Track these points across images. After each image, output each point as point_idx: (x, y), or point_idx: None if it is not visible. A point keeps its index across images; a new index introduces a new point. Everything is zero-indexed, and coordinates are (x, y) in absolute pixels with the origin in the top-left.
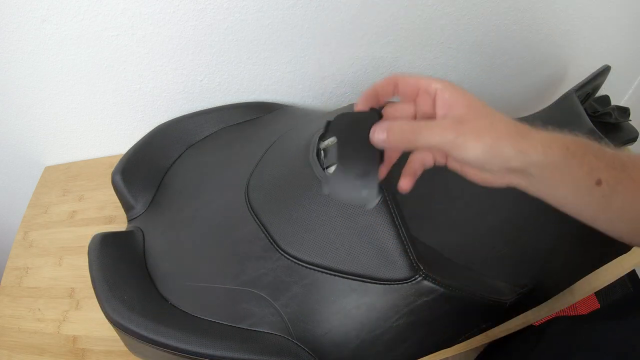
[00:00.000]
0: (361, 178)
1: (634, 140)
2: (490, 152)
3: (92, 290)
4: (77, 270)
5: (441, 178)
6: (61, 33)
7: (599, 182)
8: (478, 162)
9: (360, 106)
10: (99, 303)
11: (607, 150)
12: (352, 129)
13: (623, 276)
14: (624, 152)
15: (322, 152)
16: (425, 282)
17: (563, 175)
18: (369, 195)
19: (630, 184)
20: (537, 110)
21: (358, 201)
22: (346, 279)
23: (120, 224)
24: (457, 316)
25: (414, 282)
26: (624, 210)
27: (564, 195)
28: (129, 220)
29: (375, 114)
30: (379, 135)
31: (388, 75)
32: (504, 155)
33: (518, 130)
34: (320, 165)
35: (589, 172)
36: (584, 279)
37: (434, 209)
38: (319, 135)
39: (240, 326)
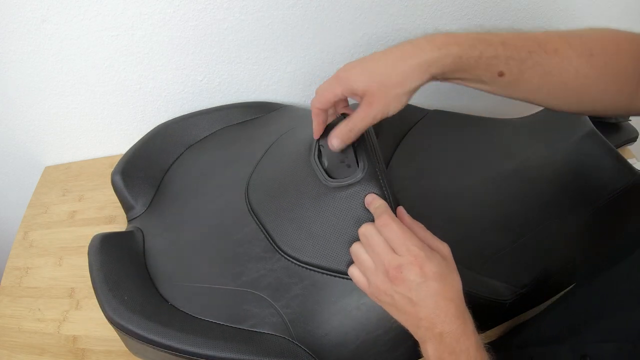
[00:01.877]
0: (343, 158)
1: (634, 140)
2: (401, 102)
3: (92, 290)
4: (77, 270)
5: (440, 178)
6: (61, 33)
7: (501, 74)
8: (398, 109)
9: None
10: (99, 303)
11: (509, 41)
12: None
13: None
14: (535, 35)
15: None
16: None
17: (465, 73)
18: (349, 167)
19: (538, 71)
20: (537, 110)
21: (345, 174)
22: (346, 280)
23: (120, 224)
24: None
25: None
26: (536, 92)
27: (476, 86)
28: (129, 221)
29: (342, 118)
30: (333, 142)
31: (312, 109)
32: (409, 94)
33: (402, 73)
34: (321, 165)
35: (486, 68)
36: None
37: (433, 209)
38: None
39: (241, 327)
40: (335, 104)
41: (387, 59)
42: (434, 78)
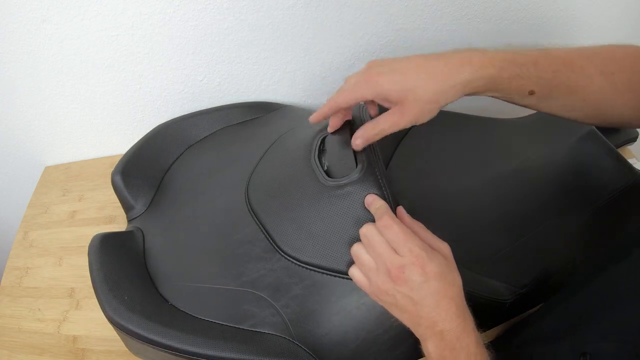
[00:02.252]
0: (342, 157)
1: (634, 140)
2: (432, 115)
3: (92, 290)
4: (77, 270)
5: (440, 178)
6: (61, 33)
7: (531, 92)
8: (427, 120)
9: (331, 128)
10: (99, 303)
11: (541, 62)
12: (337, 136)
13: None
14: (563, 52)
15: (322, 151)
16: None
17: (497, 92)
18: (349, 167)
19: (565, 89)
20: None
21: (345, 174)
22: (346, 280)
23: (120, 224)
24: None
25: None
26: (562, 108)
27: (506, 100)
28: (129, 221)
29: (347, 126)
30: (357, 142)
31: (329, 108)
32: (440, 108)
33: (438, 91)
34: (321, 165)
35: (518, 88)
36: None
37: (433, 209)
38: (320, 138)
39: (241, 327)
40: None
41: (423, 72)
42: (465, 95)
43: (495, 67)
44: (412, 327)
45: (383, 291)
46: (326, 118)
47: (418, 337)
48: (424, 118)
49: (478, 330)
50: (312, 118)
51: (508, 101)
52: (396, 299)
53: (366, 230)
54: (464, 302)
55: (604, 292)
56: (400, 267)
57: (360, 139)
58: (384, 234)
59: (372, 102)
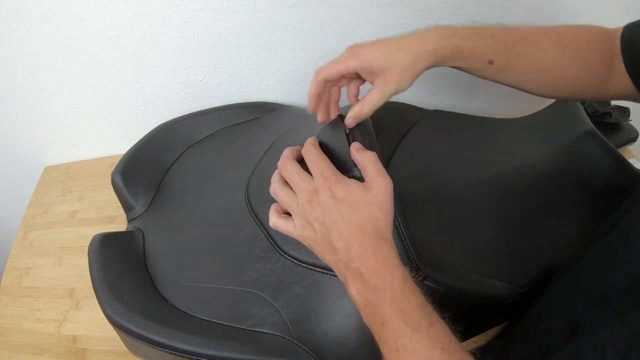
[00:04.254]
0: (341, 156)
1: (634, 140)
2: (411, 81)
3: (92, 290)
4: (77, 270)
5: (440, 178)
6: (61, 33)
7: (491, 62)
8: (407, 88)
9: (321, 116)
10: (100, 303)
11: (498, 34)
12: (335, 135)
13: None
14: (520, 29)
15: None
16: (426, 282)
17: (461, 62)
18: (348, 166)
19: (521, 60)
20: (538, 109)
21: (343, 171)
22: None
23: (120, 224)
24: (457, 316)
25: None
26: (520, 78)
27: (471, 72)
28: (129, 221)
29: (339, 119)
30: (349, 121)
31: (313, 78)
32: (416, 75)
33: (414, 56)
34: None
35: (478, 57)
36: None
37: (433, 209)
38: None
39: (241, 327)
40: (338, 80)
41: (399, 43)
42: (436, 64)
43: (457, 37)
44: (334, 267)
45: (305, 225)
46: (318, 98)
47: (344, 283)
48: (405, 84)
49: (477, 331)
50: (309, 106)
51: (471, 72)
52: (315, 230)
53: (284, 161)
54: (384, 240)
55: (590, 263)
56: (314, 190)
57: (352, 119)
58: (305, 157)
59: (354, 80)
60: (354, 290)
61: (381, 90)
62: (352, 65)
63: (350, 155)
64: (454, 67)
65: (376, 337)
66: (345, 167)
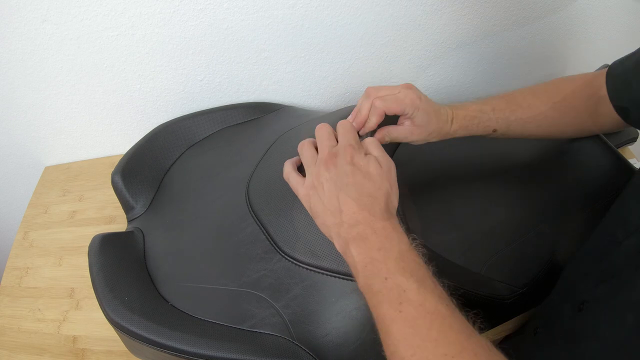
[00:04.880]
0: None
1: (633, 140)
2: (424, 141)
3: (92, 290)
4: (77, 270)
5: (441, 179)
6: (61, 33)
7: (494, 131)
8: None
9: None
10: (100, 304)
11: (498, 107)
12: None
13: None
14: (514, 96)
15: None
16: None
17: (469, 133)
18: None
19: (519, 123)
20: None
21: None
22: (347, 280)
23: (120, 224)
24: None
25: None
26: (520, 135)
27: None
28: (129, 221)
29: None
30: (369, 125)
31: (374, 107)
32: (426, 140)
33: (439, 130)
34: None
35: (484, 129)
36: None
37: (434, 209)
38: None
39: (241, 327)
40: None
41: (435, 116)
42: (445, 138)
43: (466, 119)
44: (334, 231)
45: (315, 184)
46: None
47: (341, 252)
48: (420, 141)
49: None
50: (352, 116)
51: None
52: (324, 190)
53: (322, 126)
54: (392, 212)
55: (590, 249)
56: (334, 154)
57: (379, 135)
58: (337, 127)
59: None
60: (356, 250)
61: (405, 134)
62: (408, 111)
63: None
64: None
65: (374, 298)
66: None
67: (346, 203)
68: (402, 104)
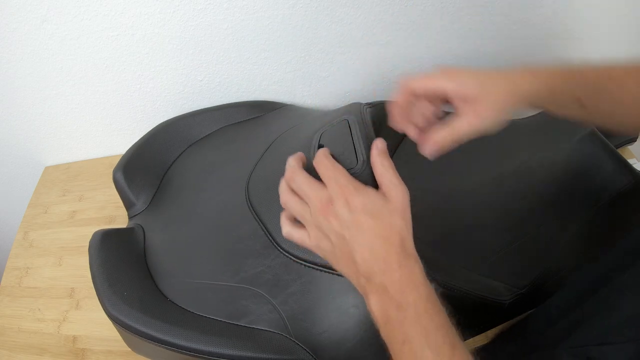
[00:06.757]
0: (342, 154)
1: (633, 140)
2: (501, 116)
3: (92, 290)
4: (77, 270)
5: (440, 178)
6: (61, 33)
7: (579, 99)
8: (496, 128)
9: (412, 131)
10: (99, 299)
11: (587, 74)
12: (336, 133)
13: None
14: (606, 68)
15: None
16: None
17: (553, 103)
18: (349, 163)
19: (609, 98)
20: (537, 110)
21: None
22: (344, 277)
23: (120, 224)
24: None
25: None
26: (607, 115)
27: (557, 109)
28: (130, 218)
29: (345, 123)
30: (432, 149)
31: (401, 86)
32: (508, 115)
33: (510, 95)
34: None
35: (571, 96)
36: None
37: (433, 209)
38: (319, 135)
39: (239, 323)
40: (420, 97)
41: (496, 76)
42: (529, 105)
43: (551, 78)
44: (354, 280)
45: (321, 236)
46: (403, 112)
47: (362, 295)
48: (497, 122)
49: (477, 331)
50: (391, 119)
51: (554, 112)
52: (332, 242)
53: (291, 172)
54: (408, 251)
55: (606, 297)
56: (328, 200)
57: (435, 146)
58: (317, 169)
59: (432, 105)
60: (376, 305)
61: (470, 122)
62: (445, 85)
63: (354, 153)
64: (538, 107)
65: (394, 356)
66: (348, 164)
67: (358, 253)
68: (431, 77)
